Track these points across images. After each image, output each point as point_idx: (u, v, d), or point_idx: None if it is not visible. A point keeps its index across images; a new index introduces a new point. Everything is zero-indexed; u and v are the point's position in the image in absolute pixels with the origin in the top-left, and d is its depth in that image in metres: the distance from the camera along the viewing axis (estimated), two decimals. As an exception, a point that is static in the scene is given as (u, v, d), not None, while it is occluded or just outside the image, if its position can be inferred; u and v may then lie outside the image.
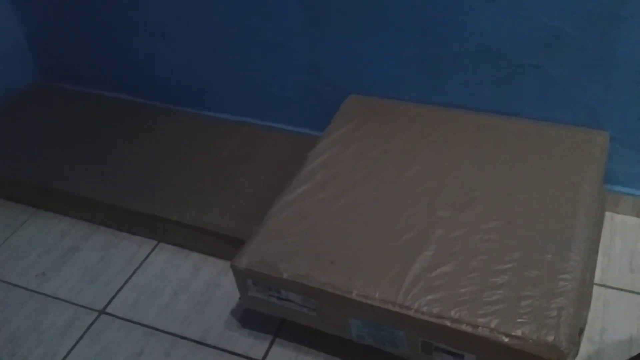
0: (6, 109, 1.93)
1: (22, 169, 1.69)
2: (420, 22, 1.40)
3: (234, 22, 1.60)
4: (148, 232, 1.57)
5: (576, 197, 1.21)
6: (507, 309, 1.02)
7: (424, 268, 1.11)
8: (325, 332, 1.19)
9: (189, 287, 1.44)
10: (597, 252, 1.26)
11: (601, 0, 1.21)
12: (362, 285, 1.10)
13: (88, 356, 1.32)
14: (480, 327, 1.01)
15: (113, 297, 1.44)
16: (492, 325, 1.00)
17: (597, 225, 1.26)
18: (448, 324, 1.02)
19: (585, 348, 1.21)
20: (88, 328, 1.38)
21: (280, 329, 1.32)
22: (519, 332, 0.99)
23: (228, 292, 1.41)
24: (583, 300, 1.07)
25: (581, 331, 1.05)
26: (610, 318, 1.26)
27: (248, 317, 1.35)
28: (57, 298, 1.46)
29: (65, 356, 1.32)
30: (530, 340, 0.98)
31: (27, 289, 1.49)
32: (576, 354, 1.02)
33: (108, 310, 1.42)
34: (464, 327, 1.01)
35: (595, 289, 1.30)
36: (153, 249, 1.55)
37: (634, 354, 1.17)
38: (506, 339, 0.99)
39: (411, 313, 1.05)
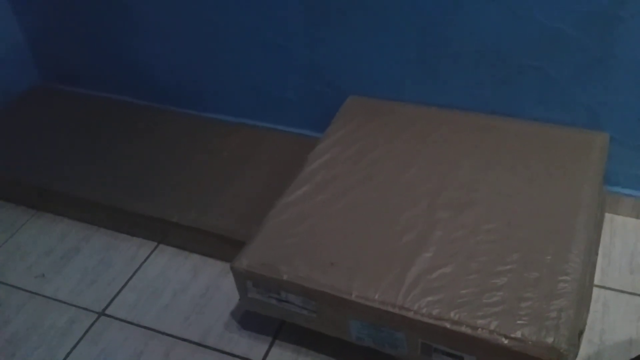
0: (7, 110, 1.93)
1: (23, 170, 1.69)
2: (420, 22, 1.40)
3: (234, 22, 1.60)
4: (148, 234, 1.57)
5: (576, 199, 1.20)
6: (507, 310, 1.02)
7: (423, 269, 1.11)
8: (324, 333, 1.19)
9: (189, 288, 1.44)
10: (597, 254, 1.26)
11: (601, 0, 1.21)
12: (361, 287, 1.10)
13: (88, 357, 1.32)
14: (479, 329, 1.01)
15: (113, 299, 1.44)
16: (492, 326, 1.00)
17: (597, 226, 1.26)
18: (448, 325, 1.02)
19: (585, 350, 1.20)
20: (88, 329, 1.38)
21: (279, 330, 1.32)
22: (518, 334, 0.99)
23: (228, 294, 1.41)
24: (583, 301, 1.07)
25: (581, 333, 1.05)
26: (610, 320, 1.26)
27: (248, 319, 1.35)
28: (57, 299, 1.46)
29: (65, 358, 1.32)
30: (530, 342, 0.98)
31: (27, 291, 1.49)
32: (576, 355, 1.02)
33: (108, 311, 1.42)
34: (463, 329, 1.01)
35: (595, 290, 1.30)
36: (153, 251, 1.55)
37: (633, 355, 1.17)
38: (506, 341, 0.99)
39: (411, 315, 1.05)
